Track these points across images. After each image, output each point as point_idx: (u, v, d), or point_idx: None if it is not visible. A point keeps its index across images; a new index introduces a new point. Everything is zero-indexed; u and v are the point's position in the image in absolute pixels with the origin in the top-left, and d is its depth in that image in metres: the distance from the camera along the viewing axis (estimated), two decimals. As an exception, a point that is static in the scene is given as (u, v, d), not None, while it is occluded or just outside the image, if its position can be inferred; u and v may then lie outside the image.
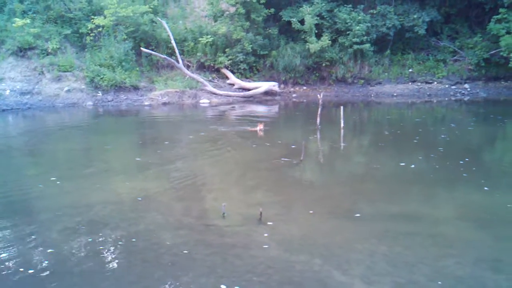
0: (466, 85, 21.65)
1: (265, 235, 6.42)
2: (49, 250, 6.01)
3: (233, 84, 20.86)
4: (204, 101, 19.56)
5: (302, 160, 10.06)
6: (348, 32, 20.76)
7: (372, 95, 21.31)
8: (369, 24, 20.74)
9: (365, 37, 20.68)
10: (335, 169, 10.11)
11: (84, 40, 20.40)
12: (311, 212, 7.31)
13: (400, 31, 21.60)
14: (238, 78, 20.94)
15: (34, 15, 20.47)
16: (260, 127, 13.37)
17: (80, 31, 20.51)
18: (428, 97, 20.75)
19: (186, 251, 5.97)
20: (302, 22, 20.64)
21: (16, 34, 19.38)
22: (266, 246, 6.09)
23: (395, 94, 21.31)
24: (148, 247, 6.13)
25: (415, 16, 21.25)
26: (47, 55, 19.57)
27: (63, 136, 13.89)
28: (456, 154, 10.86)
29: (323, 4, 20.87)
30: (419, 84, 21.92)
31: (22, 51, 19.50)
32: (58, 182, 8.87)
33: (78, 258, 5.82)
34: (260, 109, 18.55)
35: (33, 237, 6.41)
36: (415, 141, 12.35)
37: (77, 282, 5.33)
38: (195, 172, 9.66)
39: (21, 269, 5.52)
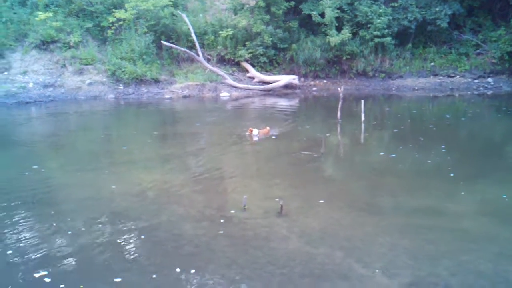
0: (489, 79, 21.34)
1: (286, 227, 6.43)
2: (72, 240, 6.10)
3: (253, 78, 20.85)
4: (224, 94, 19.60)
5: (323, 153, 10.04)
6: (369, 25, 20.59)
7: (393, 88, 21.12)
8: (390, 17, 20.51)
9: (386, 30, 20.49)
10: (355, 163, 10.06)
11: (106, 33, 20.59)
12: (331, 205, 7.31)
13: (422, 24, 21.35)
14: (258, 71, 20.92)
15: (56, 8, 20.69)
16: (250, 131, 11.90)
17: (102, 24, 20.67)
18: (450, 91, 20.48)
19: (207, 243, 6.01)
20: (322, 15, 20.50)
21: (39, 28, 19.62)
22: (287, 239, 6.10)
23: (416, 88, 21.10)
24: (170, 238, 6.20)
25: (437, 9, 20.96)
26: (69, 48, 19.79)
27: (84, 128, 14.08)
28: (479, 149, 10.77)
29: (344, -3, 20.74)
30: (441, 78, 21.67)
31: (45, 45, 19.74)
32: (80, 173, 8.99)
33: (101, 248, 5.90)
34: (280, 102, 18.51)
35: (56, 227, 6.50)
36: (436, 135, 12.24)
37: (100, 271, 5.40)
38: (215, 165, 9.70)
39: (44, 258, 5.62)
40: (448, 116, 15.29)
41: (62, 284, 5.06)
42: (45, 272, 5.27)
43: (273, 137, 11.81)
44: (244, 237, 6.19)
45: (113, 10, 20.41)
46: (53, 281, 5.12)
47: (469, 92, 20.16)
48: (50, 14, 19.80)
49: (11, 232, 6.31)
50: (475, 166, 9.41)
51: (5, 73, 18.72)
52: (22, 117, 15.60)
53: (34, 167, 9.35)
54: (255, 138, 11.63)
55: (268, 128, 12.07)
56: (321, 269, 5.36)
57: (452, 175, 8.69)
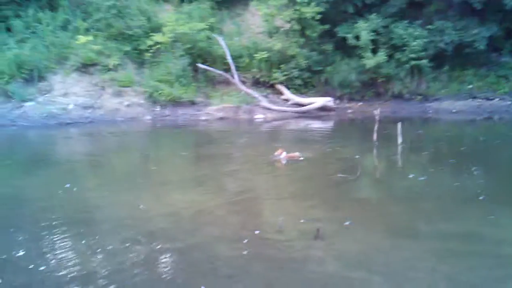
0: (529, 102, 20.80)
1: (322, 250, 6.37)
2: (108, 260, 6.19)
3: (287, 100, 20.84)
4: (259, 116, 19.69)
5: (359, 176, 9.96)
6: (404, 48, 20.39)
7: (430, 111, 20.81)
8: (426, 40, 20.29)
9: (422, 53, 20.27)
10: (392, 186, 9.92)
11: (143, 56, 20.97)
12: (368, 228, 7.22)
13: (459, 47, 21.01)
14: (292, 93, 20.94)
15: (97, 32, 21.26)
16: (281, 153, 11.59)
17: (140, 47, 21.07)
18: (488, 114, 20.02)
19: (243, 265, 6.00)
20: (357, 38, 20.47)
21: (79, 51, 20.14)
22: (324, 262, 6.04)
23: (454, 110, 20.72)
24: (205, 259, 6.20)
25: (474, 31, 20.63)
26: (108, 71, 20.23)
27: (121, 149, 14.36)
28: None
29: (379, 20, 20.58)
30: (479, 100, 21.20)
31: (85, 67, 20.24)
32: (116, 193, 9.14)
33: (137, 268, 5.96)
34: (315, 124, 18.48)
35: (93, 247, 6.59)
36: (474, 159, 11.97)
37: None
38: (251, 186, 9.73)
39: (81, 277, 5.70)
40: (485, 138, 14.96)
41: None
42: None
43: (301, 158, 11.65)
44: (281, 260, 6.16)
45: (151, 34, 20.82)
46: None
47: (508, 116, 19.68)
48: (91, 38, 20.34)
49: (49, 251, 6.43)
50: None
51: (47, 95, 19.25)
52: (62, 138, 16.03)
53: (69, 186, 9.54)
54: (283, 161, 11.49)
55: (297, 153, 11.77)
56: (359, 293, 5.29)
57: (488, 199, 8.49)
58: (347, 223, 7.34)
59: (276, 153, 11.57)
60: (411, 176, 10.21)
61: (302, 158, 11.62)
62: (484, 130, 17.23)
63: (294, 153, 11.73)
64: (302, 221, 7.46)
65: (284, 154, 11.55)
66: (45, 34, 20.64)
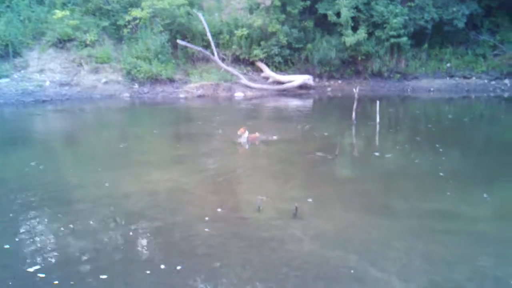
0: (506, 81, 21.06)
1: (300, 229, 6.40)
2: (86, 240, 6.13)
3: (267, 78, 20.80)
4: (238, 94, 19.62)
5: (337, 155, 10.00)
6: (385, 25, 20.43)
7: (409, 90, 20.98)
8: (406, 17, 20.34)
9: (402, 31, 20.33)
10: (370, 165, 9.96)
11: (122, 32, 20.68)
12: (345, 207, 7.29)
13: (439, 25, 21.10)
14: (272, 71, 20.88)
15: (74, 7, 20.86)
16: (242, 132, 11.11)
17: (118, 23, 20.76)
18: (466, 93, 20.28)
19: (221, 244, 6.03)
20: (338, 14, 20.41)
21: (56, 26, 19.77)
22: (301, 241, 6.08)
23: (432, 89, 20.92)
24: (185, 238, 6.21)
25: (454, 9, 20.73)
26: (86, 47, 19.92)
27: (99, 126, 14.20)
28: (495, 152, 10.64)
29: (360, -3, 20.59)
30: (457, 79, 21.47)
31: (62, 43, 19.92)
32: (94, 173, 9.04)
33: (115, 248, 5.93)
34: (294, 102, 18.49)
35: (71, 226, 6.53)
36: (452, 137, 12.13)
37: (114, 271, 5.42)
38: (229, 165, 9.70)
39: (59, 259, 5.66)
40: (466, 119, 15.15)
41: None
42: (41, 271, 5.35)
43: (274, 137, 11.56)
44: (259, 239, 6.19)
45: (129, 8, 20.51)
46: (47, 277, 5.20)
47: (485, 94, 19.94)
48: (67, 13, 19.97)
49: (23, 231, 6.38)
50: (491, 169, 9.30)
51: (22, 71, 18.91)
52: (38, 115, 15.82)
53: (40, 166, 9.46)
54: (246, 146, 11.05)
55: (257, 134, 11.39)
56: (336, 272, 5.34)
57: (467, 178, 8.64)
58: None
59: (238, 133, 11.10)
60: (393, 155, 10.33)
61: (275, 137, 11.66)
62: (464, 109, 17.42)
63: (254, 134, 11.32)
64: (280, 200, 7.49)
65: (246, 134, 11.09)
66: (21, 9, 20.24)
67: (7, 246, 5.93)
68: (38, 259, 5.59)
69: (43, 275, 5.26)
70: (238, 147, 11.12)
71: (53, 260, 5.60)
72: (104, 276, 5.24)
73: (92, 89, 18.93)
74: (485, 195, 7.65)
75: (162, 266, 5.45)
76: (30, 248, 5.88)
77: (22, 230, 6.39)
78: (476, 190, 7.98)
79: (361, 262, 5.52)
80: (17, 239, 6.12)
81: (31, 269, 5.36)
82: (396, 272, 5.29)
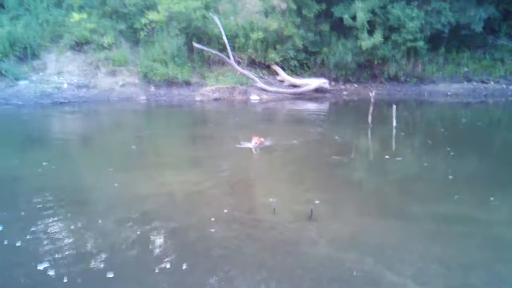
0: (525, 86, 20.82)
1: (316, 232, 6.40)
2: (99, 239, 6.20)
3: (283, 81, 20.79)
4: (254, 98, 19.63)
5: (353, 158, 9.98)
6: (401, 29, 20.28)
7: (425, 94, 20.80)
8: (423, 21, 20.14)
9: (419, 35, 20.17)
10: (386, 169, 9.91)
11: (138, 35, 20.79)
12: (361, 210, 7.28)
13: (456, 29, 20.89)
14: (288, 75, 20.86)
15: (91, 10, 21.05)
16: (256, 141, 10.85)
17: (134, 26, 20.89)
18: (484, 98, 20.05)
19: (237, 245, 6.03)
20: (354, 18, 20.31)
21: (74, 29, 19.99)
22: (317, 243, 6.07)
23: (449, 93, 20.72)
24: (199, 240, 6.24)
25: (471, 13, 20.52)
26: (103, 49, 20.09)
27: (116, 128, 14.32)
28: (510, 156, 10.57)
29: (376, 0, 20.40)
30: (474, 83, 21.24)
31: (79, 46, 20.10)
32: (111, 174, 9.11)
33: (128, 248, 5.98)
34: (310, 106, 18.45)
35: (84, 225, 6.61)
36: (469, 142, 12.03)
37: (126, 270, 5.47)
38: (246, 168, 9.74)
39: (70, 257, 5.71)
40: (480, 123, 14.99)
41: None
42: (51, 268, 5.40)
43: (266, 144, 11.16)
44: (274, 241, 6.19)
45: (146, 12, 20.61)
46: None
47: (503, 99, 19.68)
48: (85, 16, 20.18)
49: (41, 230, 6.44)
50: (508, 174, 9.21)
51: (41, 73, 19.14)
52: (56, 117, 16.01)
53: (53, 166, 9.52)
54: (253, 149, 10.80)
55: (262, 139, 10.98)
56: (351, 275, 5.32)
57: (484, 182, 8.56)
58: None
59: (253, 142, 10.81)
60: (409, 159, 10.27)
61: (295, 142, 11.63)
62: (481, 114, 17.24)
63: (260, 139, 10.97)
64: (295, 202, 7.49)
65: (255, 142, 10.81)
66: (39, 12, 20.48)
67: (18, 244, 6.01)
68: (49, 257, 5.65)
69: (53, 273, 5.32)
70: (253, 150, 11.13)
71: (64, 258, 5.65)
72: (116, 275, 5.30)
73: (109, 91, 19.07)
74: (498, 199, 7.59)
75: (177, 267, 5.48)
76: (42, 246, 5.96)
77: (33, 229, 6.46)
78: (490, 194, 7.88)
79: (377, 266, 5.49)
80: (29, 237, 6.19)
81: (41, 267, 5.43)
82: (412, 276, 5.26)
